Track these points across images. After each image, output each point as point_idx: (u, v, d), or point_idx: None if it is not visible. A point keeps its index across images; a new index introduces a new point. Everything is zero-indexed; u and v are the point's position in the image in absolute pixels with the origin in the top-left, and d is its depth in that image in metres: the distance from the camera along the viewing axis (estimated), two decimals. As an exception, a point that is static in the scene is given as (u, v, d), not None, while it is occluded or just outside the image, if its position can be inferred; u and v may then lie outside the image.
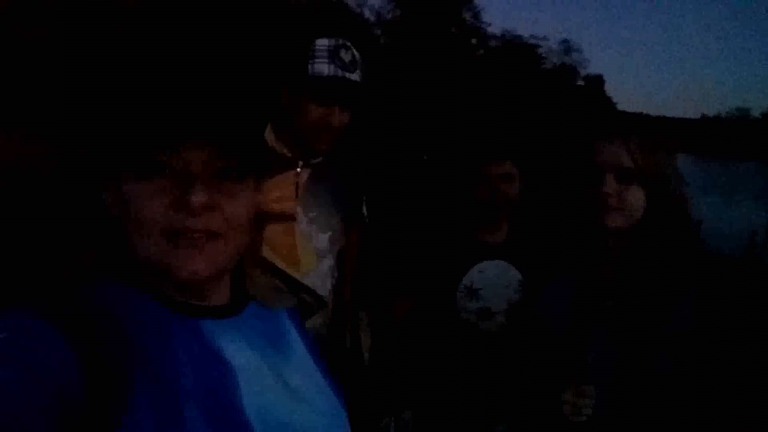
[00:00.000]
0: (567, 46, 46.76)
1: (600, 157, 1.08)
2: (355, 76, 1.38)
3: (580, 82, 47.12)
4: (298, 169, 1.44)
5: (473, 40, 38.36)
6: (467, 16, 37.74)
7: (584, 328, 1.13)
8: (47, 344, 0.50)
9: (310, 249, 1.45)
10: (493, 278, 1.65)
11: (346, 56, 1.36)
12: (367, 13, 34.41)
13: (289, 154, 1.44)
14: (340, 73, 1.34)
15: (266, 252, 1.34)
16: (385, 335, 1.62)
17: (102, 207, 0.61)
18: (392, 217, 1.75)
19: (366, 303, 1.56)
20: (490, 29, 40.89)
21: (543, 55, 44.30)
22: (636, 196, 1.08)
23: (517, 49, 39.49)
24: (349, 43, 1.38)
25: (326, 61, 1.34)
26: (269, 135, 1.47)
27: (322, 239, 1.47)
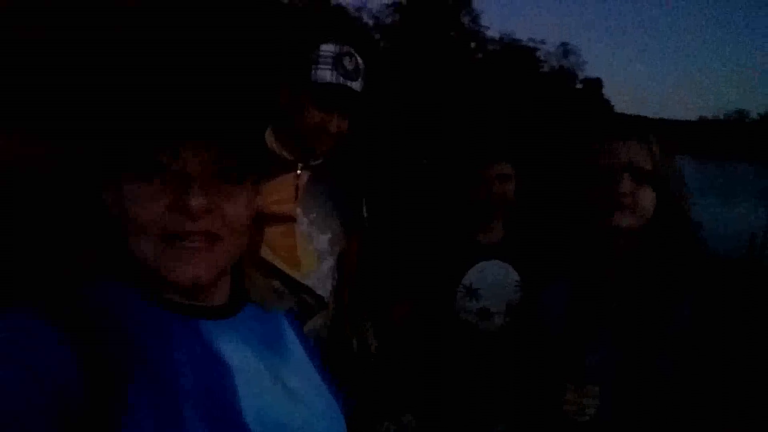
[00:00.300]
0: (565, 49, 46.99)
1: (617, 157, 1.08)
2: (356, 85, 1.38)
3: (579, 85, 47.27)
4: (298, 171, 1.45)
5: (472, 44, 38.49)
6: (466, 20, 37.92)
7: (582, 330, 1.13)
8: (47, 344, 0.50)
9: (310, 250, 1.45)
10: (492, 278, 1.66)
11: (349, 65, 1.37)
12: (366, 18, 34.53)
13: (289, 157, 1.44)
14: (342, 81, 1.35)
15: (266, 253, 1.34)
16: (385, 337, 1.62)
17: (102, 207, 0.61)
18: (392, 218, 1.75)
19: (366, 304, 1.56)
20: (488, 33, 41.11)
21: (541, 58, 44.50)
22: (648, 197, 1.08)
23: (516, 53, 39.61)
24: (353, 50, 1.39)
25: (330, 68, 1.35)
26: (269, 137, 1.47)
27: (322, 240, 1.47)
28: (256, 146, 0.68)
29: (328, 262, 1.50)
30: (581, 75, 47.63)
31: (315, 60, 1.35)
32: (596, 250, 1.17)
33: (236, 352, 0.64)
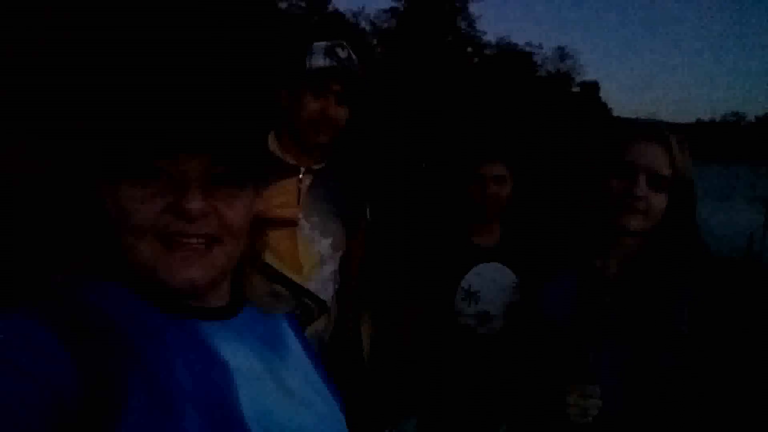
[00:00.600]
0: (562, 53, 47.12)
1: (635, 159, 1.08)
2: (350, 69, 1.42)
3: (576, 89, 47.38)
4: (301, 176, 1.46)
5: (469, 49, 38.57)
6: (463, 24, 38.00)
7: (587, 328, 1.13)
8: (43, 347, 0.49)
9: (312, 254, 1.46)
10: (490, 280, 1.66)
11: (342, 53, 1.41)
12: (363, 23, 34.63)
13: (292, 161, 1.46)
14: (335, 65, 1.39)
15: (269, 257, 1.34)
16: (387, 342, 1.62)
17: (99, 209, 0.59)
18: (392, 222, 1.76)
19: (368, 308, 1.57)
20: (485, 37, 41.22)
21: (538, 62, 44.60)
22: (660, 201, 1.09)
23: (513, 57, 39.71)
24: (344, 43, 1.44)
25: (323, 55, 1.40)
26: (272, 142, 1.49)
27: (324, 244, 1.48)
28: (257, 150, 0.67)
29: (330, 266, 1.51)
30: (578, 79, 47.83)
31: (309, 52, 1.40)
32: (597, 248, 1.18)
33: (236, 354, 0.63)
